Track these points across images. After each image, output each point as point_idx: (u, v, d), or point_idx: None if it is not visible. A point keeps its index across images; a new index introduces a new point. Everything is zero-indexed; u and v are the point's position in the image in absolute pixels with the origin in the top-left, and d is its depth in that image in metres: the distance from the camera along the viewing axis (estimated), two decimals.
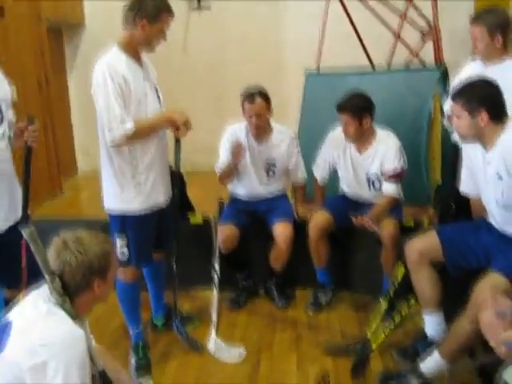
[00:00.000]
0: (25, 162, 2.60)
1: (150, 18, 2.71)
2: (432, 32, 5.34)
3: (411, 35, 5.81)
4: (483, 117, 2.53)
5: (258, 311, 3.77)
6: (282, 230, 3.58)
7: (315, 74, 5.25)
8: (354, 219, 3.30)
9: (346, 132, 3.46)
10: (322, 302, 3.71)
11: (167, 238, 3.16)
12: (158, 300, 3.46)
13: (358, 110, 3.39)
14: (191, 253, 3.95)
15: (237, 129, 3.68)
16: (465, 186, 2.97)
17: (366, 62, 5.57)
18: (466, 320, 2.53)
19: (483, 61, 3.26)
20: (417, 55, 5.54)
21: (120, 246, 2.91)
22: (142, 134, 2.74)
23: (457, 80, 3.35)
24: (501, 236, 2.74)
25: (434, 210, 3.54)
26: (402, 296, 3.32)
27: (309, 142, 4.62)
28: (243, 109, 3.58)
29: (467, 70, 3.38)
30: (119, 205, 2.88)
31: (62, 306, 1.87)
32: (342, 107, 3.43)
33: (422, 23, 5.80)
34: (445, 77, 4.58)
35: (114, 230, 2.93)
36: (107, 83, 2.65)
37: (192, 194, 5.30)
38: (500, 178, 2.58)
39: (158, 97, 2.95)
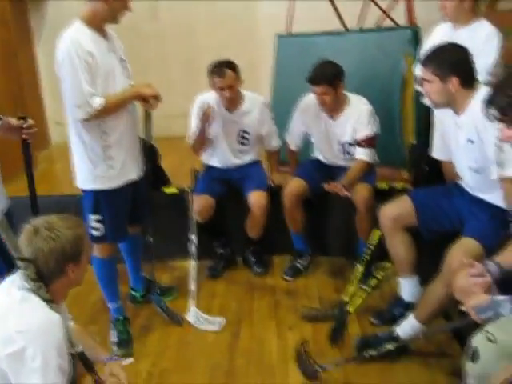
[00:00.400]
0: (25, 157, 2.74)
1: None
2: None
3: None
4: (454, 82, 2.52)
5: (237, 279, 3.80)
6: (256, 199, 3.58)
7: (286, 36, 5.18)
8: (325, 186, 3.30)
9: (322, 103, 3.43)
10: (300, 267, 3.75)
11: (142, 212, 3.16)
12: (136, 273, 3.47)
13: (332, 79, 3.35)
14: (168, 224, 3.94)
15: (207, 99, 3.63)
16: (437, 151, 3.00)
17: (340, 26, 5.50)
18: (440, 284, 2.58)
19: (452, 23, 3.24)
20: (387, 15, 5.46)
21: (95, 223, 2.90)
22: (111, 109, 2.71)
23: (427, 43, 3.34)
24: (473, 199, 2.77)
25: (407, 172, 3.55)
26: (378, 259, 3.39)
27: (282, 105, 4.58)
28: (213, 82, 3.53)
29: (437, 33, 3.37)
30: (92, 181, 2.86)
31: (37, 293, 1.85)
32: (315, 79, 3.38)
33: None
34: (417, 36, 4.54)
35: (88, 207, 2.91)
36: (73, 59, 2.59)
37: (168, 161, 5.26)
38: (471, 142, 2.60)
39: (126, 69, 2.91)
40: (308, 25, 5.18)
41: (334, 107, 3.45)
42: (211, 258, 3.92)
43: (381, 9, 5.45)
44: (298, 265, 3.75)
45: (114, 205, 2.92)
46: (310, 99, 3.55)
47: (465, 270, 2.35)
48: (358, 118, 3.44)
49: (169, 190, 4.01)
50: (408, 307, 2.96)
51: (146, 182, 3.10)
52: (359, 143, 3.46)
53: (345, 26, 5.48)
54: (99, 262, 3.04)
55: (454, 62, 2.54)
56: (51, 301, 1.88)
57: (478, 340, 1.94)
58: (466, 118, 2.57)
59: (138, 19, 6.67)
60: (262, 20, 6.49)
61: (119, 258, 3.30)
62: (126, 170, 2.92)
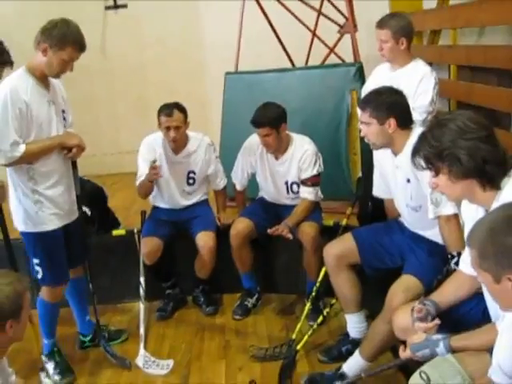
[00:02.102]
0: None
1: (53, 44, 2.68)
2: (348, 26, 5.41)
3: (333, 33, 5.90)
4: (391, 123, 2.61)
5: (187, 320, 3.77)
6: (205, 240, 3.59)
7: (234, 73, 5.26)
8: (269, 231, 3.34)
9: (266, 145, 3.48)
10: (249, 306, 3.75)
11: (78, 254, 3.15)
12: (82, 317, 3.42)
13: (274, 121, 3.41)
14: (117, 266, 3.94)
15: (153, 140, 3.66)
16: (377, 190, 3.08)
17: (288, 63, 5.62)
18: (382, 321, 2.63)
19: (390, 64, 3.35)
20: (332, 51, 5.60)
21: (36, 266, 2.93)
22: (33, 155, 2.77)
23: (368, 84, 3.45)
24: (412, 236, 2.84)
25: (351, 208, 3.61)
26: (327, 296, 3.43)
27: (231, 141, 4.66)
28: (160, 122, 3.56)
29: (376, 74, 3.49)
30: (23, 223, 2.90)
31: None
32: (258, 122, 3.44)
33: (340, 20, 5.87)
34: (361, 71, 4.67)
35: (29, 249, 2.96)
36: (6, 106, 2.65)
37: (119, 198, 5.28)
38: (408, 181, 2.68)
39: (64, 119, 2.96)
40: (259, 61, 5.29)
41: (278, 148, 3.50)
42: (161, 298, 3.89)
43: (326, 45, 5.60)
44: (247, 303, 3.74)
45: (48, 248, 2.93)
46: (254, 139, 3.60)
47: (404, 308, 2.42)
48: (301, 158, 3.50)
49: (116, 233, 3.99)
50: (355, 344, 2.99)
51: (80, 224, 3.11)
52: (304, 182, 3.52)
53: (292, 63, 5.61)
54: (42, 303, 3.08)
55: (390, 104, 2.62)
56: None
57: (414, 379, 1.98)
58: (404, 157, 2.64)
59: (85, 55, 6.72)
60: (213, 58, 6.55)
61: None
62: (59, 214, 2.94)
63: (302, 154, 3.50)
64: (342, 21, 5.75)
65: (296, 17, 5.38)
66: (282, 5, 5.34)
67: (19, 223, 2.92)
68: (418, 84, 3.21)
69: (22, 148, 2.69)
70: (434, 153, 1.93)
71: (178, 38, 6.66)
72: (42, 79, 2.80)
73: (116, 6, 6.65)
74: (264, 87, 4.95)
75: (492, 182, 1.90)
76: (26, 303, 1.98)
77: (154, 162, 3.47)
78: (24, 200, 2.84)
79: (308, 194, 3.52)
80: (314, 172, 3.51)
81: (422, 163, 1.99)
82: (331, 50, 5.66)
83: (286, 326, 3.53)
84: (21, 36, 5.77)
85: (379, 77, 3.38)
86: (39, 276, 2.97)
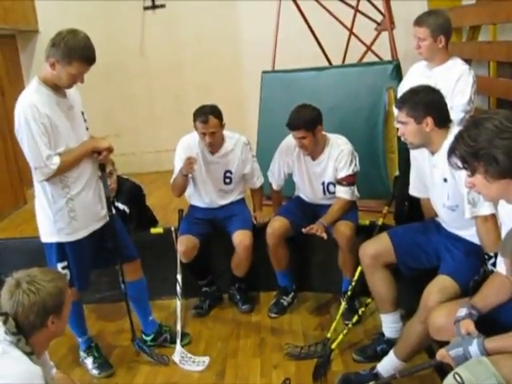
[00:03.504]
0: None
1: (60, 59, 2.68)
2: (385, 23, 5.37)
3: (370, 31, 5.87)
4: (428, 122, 2.59)
5: (223, 317, 3.81)
6: (241, 239, 3.62)
7: (270, 72, 5.27)
8: (304, 230, 3.35)
9: (302, 147, 3.48)
10: (285, 304, 3.76)
11: (110, 257, 3.18)
12: (145, 316, 3.48)
13: (310, 124, 3.40)
14: (155, 263, 3.97)
15: (191, 141, 3.70)
16: (414, 189, 3.06)
17: (325, 62, 5.62)
18: (417, 321, 2.61)
19: (428, 62, 3.32)
20: (369, 49, 5.57)
21: (61, 270, 2.95)
22: (68, 166, 2.81)
23: (404, 83, 3.42)
24: (449, 236, 2.82)
25: (388, 207, 3.59)
26: (362, 295, 3.42)
27: (268, 140, 4.69)
28: (196, 127, 3.60)
29: (413, 72, 3.46)
30: (55, 234, 2.92)
31: (17, 345, 1.89)
32: (293, 125, 3.43)
33: (378, 17, 5.83)
34: (398, 69, 4.64)
35: (52, 257, 2.97)
36: (29, 123, 2.68)
37: (156, 196, 5.36)
38: (445, 180, 2.65)
39: (85, 120, 3.00)
40: (295, 61, 5.30)
41: (314, 149, 3.51)
42: (198, 296, 3.94)
43: (363, 43, 5.57)
44: (283, 301, 3.76)
45: (78, 255, 2.98)
46: (290, 140, 3.61)
47: (439, 308, 2.41)
48: (338, 157, 3.50)
49: (154, 231, 4.05)
50: (390, 343, 2.98)
51: (112, 228, 3.13)
52: (340, 182, 3.52)
53: (329, 62, 5.60)
54: None
55: (427, 103, 2.60)
56: (31, 353, 1.92)
57: (448, 381, 1.98)
58: (441, 156, 2.61)
59: (125, 56, 6.86)
60: (250, 57, 6.59)
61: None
62: (90, 220, 2.99)
63: (338, 154, 3.49)
64: (379, 18, 5.73)
65: (333, 15, 5.38)
66: (319, 3, 5.34)
67: (48, 235, 2.94)
68: (456, 83, 3.17)
69: (57, 160, 2.73)
70: (470, 152, 1.91)
71: (215, 38, 6.72)
72: (57, 88, 2.80)
73: (154, 6, 6.75)
74: (300, 86, 4.96)
75: None
76: (67, 299, 2.04)
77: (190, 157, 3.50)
78: (58, 212, 2.86)
79: (344, 193, 3.51)
80: (350, 171, 3.50)
81: (459, 163, 1.98)
82: (368, 47, 5.64)
83: (322, 325, 3.53)
84: None
85: (416, 75, 3.35)
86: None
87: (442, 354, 2.20)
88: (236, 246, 3.64)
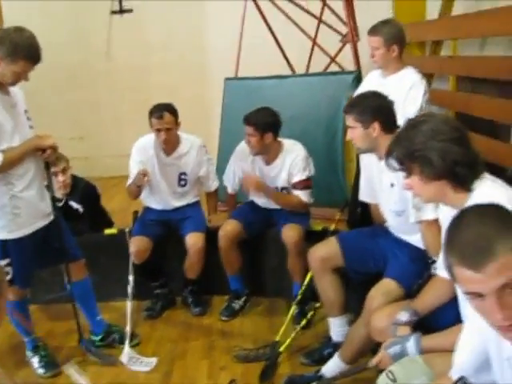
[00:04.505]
0: None
1: (4, 56, 2.65)
2: (349, 36, 5.44)
3: (336, 41, 5.94)
4: (376, 127, 2.63)
5: (174, 320, 3.79)
6: (193, 241, 3.62)
7: (233, 79, 5.30)
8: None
9: (248, 142, 3.54)
10: (236, 308, 3.76)
11: (54, 256, 3.15)
12: (93, 316, 3.44)
13: (261, 126, 3.45)
14: (108, 264, 3.96)
15: (146, 143, 3.71)
16: (363, 194, 3.09)
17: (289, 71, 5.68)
18: (361, 324, 2.64)
19: (382, 70, 3.38)
20: (334, 60, 5.65)
21: (4, 267, 2.90)
22: (11, 163, 2.77)
23: (359, 90, 3.47)
24: (396, 241, 2.85)
25: (340, 213, 3.63)
26: (312, 300, 3.43)
27: (229, 147, 4.65)
28: (151, 124, 3.61)
29: (367, 80, 3.52)
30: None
31: None
32: (246, 119, 3.50)
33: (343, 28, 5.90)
34: (359, 79, 4.70)
35: None
36: None
37: (117, 201, 5.32)
38: (392, 185, 2.69)
39: (28, 118, 2.96)
40: (261, 69, 5.33)
41: (263, 152, 3.55)
42: (151, 298, 3.92)
43: (326, 53, 5.64)
44: (235, 305, 3.76)
45: (21, 252, 2.94)
46: (245, 145, 3.63)
47: (382, 311, 2.44)
48: (292, 163, 3.53)
49: (108, 232, 4.03)
50: (337, 347, 2.99)
51: (57, 226, 3.09)
52: (294, 186, 3.55)
53: (293, 71, 5.65)
54: (11, 304, 3.06)
55: (374, 108, 2.65)
56: None
57: (381, 380, 2.00)
58: None
59: (91, 58, 6.82)
60: (216, 63, 6.61)
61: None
62: (33, 218, 2.95)
63: (293, 160, 3.53)
64: (345, 30, 5.80)
65: (297, 25, 5.43)
66: (284, 13, 5.40)
67: None
68: (408, 91, 3.24)
69: (0, 159, 2.70)
70: (405, 153, 1.95)
71: (182, 43, 6.74)
72: (1, 85, 2.78)
73: (122, 11, 6.74)
74: (263, 94, 5.00)
75: (463, 184, 1.92)
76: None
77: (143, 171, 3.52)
78: (1, 209, 2.83)
79: (301, 195, 3.54)
80: (304, 176, 3.53)
81: (395, 164, 2.02)
82: (332, 59, 5.72)
83: (272, 329, 3.51)
84: None
85: (370, 83, 3.42)
86: (7, 278, 2.92)
87: (380, 355, 2.24)
88: (188, 249, 3.63)
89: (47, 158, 2.97)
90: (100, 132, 7.02)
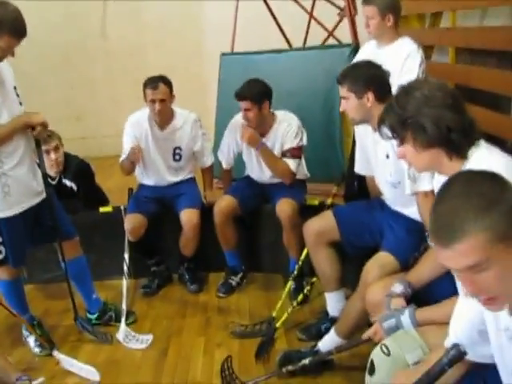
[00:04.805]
0: None
1: None
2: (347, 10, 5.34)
3: (333, 15, 5.83)
4: (369, 97, 2.56)
5: (171, 297, 3.78)
6: (188, 217, 3.58)
7: (229, 54, 5.23)
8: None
9: (246, 119, 3.47)
10: (233, 284, 3.74)
11: (46, 234, 3.11)
12: (88, 295, 3.41)
13: (257, 97, 3.40)
14: (104, 242, 3.94)
15: (139, 118, 3.67)
16: (358, 166, 3.04)
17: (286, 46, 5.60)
18: (357, 298, 2.60)
19: (377, 41, 3.31)
20: (331, 34, 5.55)
21: None
22: (0, 140, 2.73)
23: (354, 61, 3.40)
24: (392, 213, 2.80)
25: (336, 187, 3.58)
26: (309, 276, 3.40)
27: (226, 123, 4.60)
28: (145, 95, 3.56)
29: (362, 52, 3.46)
30: None
31: None
32: (240, 95, 3.44)
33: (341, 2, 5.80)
34: (356, 53, 4.59)
35: None
36: None
37: (114, 180, 5.26)
38: (388, 157, 2.64)
39: (18, 95, 2.90)
40: (257, 43, 5.25)
41: (259, 125, 3.48)
42: (147, 276, 3.89)
43: (324, 27, 5.55)
44: (231, 281, 3.74)
45: (13, 231, 2.90)
46: (239, 117, 3.59)
47: (377, 284, 2.41)
48: (284, 132, 3.48)
49: (103, 209, 3.99)
50: (334, 322, 2.96)
51: (49, 204, 3.04)
52: (284, 154, 3.49)
53: (290, 45, 5.57)
54: (4, 283, 3.11)
55: (368, 78, 2.58)
56: None
57: (375, 353, 1.97)
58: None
59: (85, 37, 6.73)
60: (212, 40, 6.48)
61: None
62: (24, 196, 2.91)
63: (285, 129, 3.48)
64: (342, 3, 5.69)
65: None
66: None
67: None
68: (404, 62, 3.17)
69: None
70: (398, 120, 1.88)
71: (178, 20, 6.63)
72: None
73: None
74: (259, 68, 4.90)
75: (458, 151, 1.85)
76: None
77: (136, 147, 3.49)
78: None
79: (289, 164, 3.48)
80: (294, 144, 3.47)
81: (388, 132, 1.96)
82: (330, 33, 5.61)
83: (269, 305, 3.49)
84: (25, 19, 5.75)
85: (365, 54, 3.34)
86: (1, 256, 2.94)
87: (375, 328, 2.21)
88: (183, 225, 3.60)
89: (37, 135, 2.92)
90: (96, 112, 6.94)
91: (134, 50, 6.74)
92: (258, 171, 3.66)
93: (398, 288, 2.25)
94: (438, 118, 1.83)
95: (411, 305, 2.12)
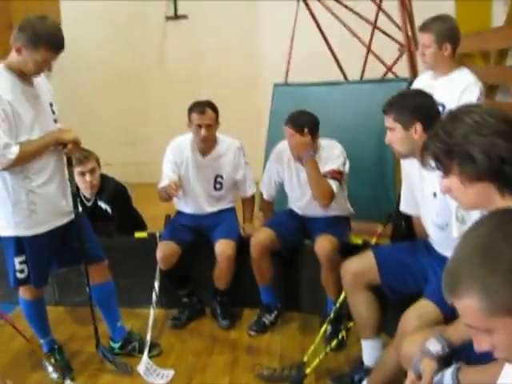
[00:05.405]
0: None
1: (26, 44, 2.53)
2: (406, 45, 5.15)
3: (393, 49, 5.67)
4: (417, 128, 2.37)
5: (200, 331, 3.58)
6: (223, 249, 3.42)
7: (282, 85, 5.11)
8: None
9: (295, 148, 3.26)
10: (266, 322, 3.51)
11: (72, 257, 3.01)
12: (113, 322, 3.28)
13: (314, 127, 3.24)
14: (137, 268, 3.82)
15: (181, 143, 3.56)
16: (404, 204, 2.82)
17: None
18: (393, 349, 2.33)
19: (432, 71, 3.11)
20: (390, 70, 5.36)
21: (19, 265, 2.81)
22: (28, 156, 2.64)
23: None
24: (438, 258, 2.54)
25: (382, 226, 3.34)
26: (346, 318, 3.16)
27: None
28: (191, 120, 3.48)
29: (417, 83, 3.25)
30: (13, 228, 2.75)
31: None
32: (297, 124, 3.24)
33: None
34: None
35: (10, 251, 2.81)
36: None
37: (161, 206, 5.17)
38: (435, 195, 2.41)
39: (53, 112, 2.84)
40: (311, 76, 5.13)
41: None
42: (178, 307, 3.73)
43: (382, 62, 5.37)
44: (265, 320, 3.51)
45: (37, 250, 2.80)
46: (281, 146, 3.44)
47: (414, 335, 2.15)
48: (326, 157, 3.29)
49: (138, 235, 3.86)
50: (369, 373, 2.70)
51: (77, 226, 2.94)
52: (324, 175, 3.25)
53: (345, 77, 5.42)
54: (27, 303, 3.01)
55: (415, 108, 2.39)
56: None
57: None
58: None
59: (143, 63, 6.81)
60: (268, 71, 6.41)
61: None
62: (52, 215, 2.82)
63: (327, 155, 3.30)
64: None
65: (351, 31, 5.18)
66: (338, 19, 5.16)
67: (8, 228, 2.75)
68: (461, 94, 2.95)
69: (15, 150, 2.55)
70: (443, 149, 1.66)
71: (235, 51, 6.65)
72: (23, 75, 2.66)
73: (176, 17, 6.69)
74: (312, 100, 4.76)
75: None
76: None
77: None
78: (17, 204, 2.70)
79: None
80: (335, 167, 3.26)
81: (431, 162, 1.73)
82: (388, 68, 5.43)
83: (302, 348, 3.22)
84: (85, 44, 5.87)
85: (419, 86, 3.13)
86: (23, 276, 2.84)
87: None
88: (217, 256, 3.43)
89: (68, 152, 2.84)
90: (149, 138, 6.97)
91: (189, 78, 6.77)
92: (300, 201, 3.47)
93: (433, 346, 1.97)
94: (489, 147, 1.59)
95: (455, 364, 1.83)
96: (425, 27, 3.03)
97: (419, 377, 1.88)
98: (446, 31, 2.99)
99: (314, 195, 3.28)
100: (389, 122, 2.46)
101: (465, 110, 1.70)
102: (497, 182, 1.60)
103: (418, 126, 2.36)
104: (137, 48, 6.60)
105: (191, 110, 3.48)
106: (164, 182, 3.46)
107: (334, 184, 3.23)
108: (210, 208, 3.64)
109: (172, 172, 3.50)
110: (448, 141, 1.65)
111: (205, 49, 6.72)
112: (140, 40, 6.60)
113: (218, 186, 3.61)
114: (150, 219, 4.33)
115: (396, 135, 2.44)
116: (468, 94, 2.94)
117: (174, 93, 6.83)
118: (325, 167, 3.25)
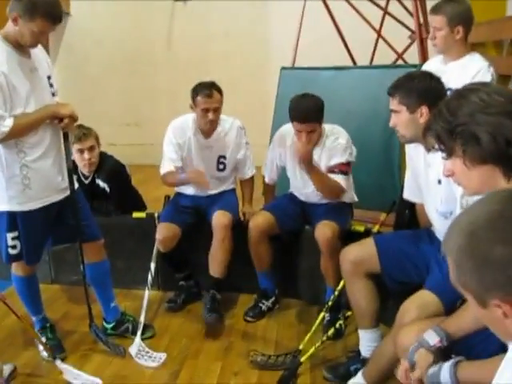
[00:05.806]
0: None
1: (22, 13, 2.46)
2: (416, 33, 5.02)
3: (404, 36, 5.55)
4: (423, 112, 2.28)
5: (196, 315, 3.47)
6: (219, 218, 3.30)
7: (289, 69, 5.02)
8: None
9: (309, 142, 3.10)
10: (263, 308, 3.44)
11: (67, 234, 2.95)
12: (106, 302, 3.22)
13: (320, 114, 3.12)
14: (134, 249, 3.76)
15: (183, 124, 3.46)
16: (407, 192, 2.73)
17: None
18: (390, 340, 2.25)
19: (443, 55, 3.01)
20: (400, 56, 5.24)
21: (11, 240, 2.75)
22: (23, 130, 2.57)
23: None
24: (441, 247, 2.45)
25: (385, 214, 3.25)
26: (344, 307, 3.08)
27: None
28: (196, 103, 3.36)
29: (426, 67, 3.13)
30: (6, 202, 2.68)
31: None
32: (306, 117, 3.08)
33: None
34: None
35: (3, 226, 2.74)
36: None
37: (165, 188, 5.10)
38: (440, 182, 2.32)
39: (51, 85, 2.77)
40: (319, 60, 5.03)
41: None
42: (174, 289, 3.66)
43: (393, 49, 5.26)
44: (262, 305, 3.43)
45: (30, 226, 2.74)
46: (284, 130, 3.35)
47: (411, 326, 2.07)
48: (331, 146, 3.19)
49: (136, 215, 3.79)
50: (365, 363, 2.63)
51: (73, 203, 2.87)
52: (331, 170, 3.17)
53: (354, 62, 5.32)
54: (19, 279, 2.96)
55: (422, 90, 2.30)
56: None
57: None
58: (436, 154, 2.27)
59: (151, 46, 6.73)
60: (276, 56, 6.34)
61: None
62: (46, 191, 2.75)
63: (332, 143, 3.19)
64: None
65: (362, 15, 5.07)
66: (349, 3, 5.05)
67: (1, 203, 2.69)
68: (472, 80, 2.82)
69: (9, 122, 2.48)
70: (446, 128, 1.57)
71: (244, 34, 6.55)
72: (20, 47, 2.59)
73: None
74: (319, 85, 4.64)
75: None
76: None
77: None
78: (11, 178, 2.63)
79: (338, 179, 3.16)
80: (343, 159, 3.16)
81: (433, 142, 1.64)
82: (399, 55, 5.31)
83: (299, 336, 3.14)
84: (93, 23, 5.76)
85: (428, 70, 3.01)
86: (15, 252, 2.78)
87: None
88: (213, 228, 3.30)
89: (65, 127, 2.76)
90: (155, 120, 6.87)
91: (196, 60, 6.68)
92: (302, 187, 3.37)
93: (431, 338, 1.88)
94: (495, 128, 1.50)
95: (453, 359, 1.75)
96: (437, 9, 2.91)
97: (413, 367, 1.80)
98: (459, 14, 2.88)
99: (321, 195, 3.25)
100: (394, 104, 2.38)
101: (472, 88, 1.61)
102: (502, 165, 1.52)
103: (425, 110, 2.27)
104: (145, 29, 6.52)
105: (196, 92, 3.37)
106: (168, 166, 3.39)
107: (342, 179, 3.16)
108: (212, 190, 3.53)
109: (175, 154, 3.41)
110: (452, 120, 1.56)
111: (213, 32, 6.63)
112: (148, 21, 6.52)
113: (220, 166, 3.52)
114: (151, 201, 4.27)
115: (401, 118, 2.36)
116: (479, 79, 2.82)
117: (181, 74, 6.72)
118: (331, 160, 3.17)
